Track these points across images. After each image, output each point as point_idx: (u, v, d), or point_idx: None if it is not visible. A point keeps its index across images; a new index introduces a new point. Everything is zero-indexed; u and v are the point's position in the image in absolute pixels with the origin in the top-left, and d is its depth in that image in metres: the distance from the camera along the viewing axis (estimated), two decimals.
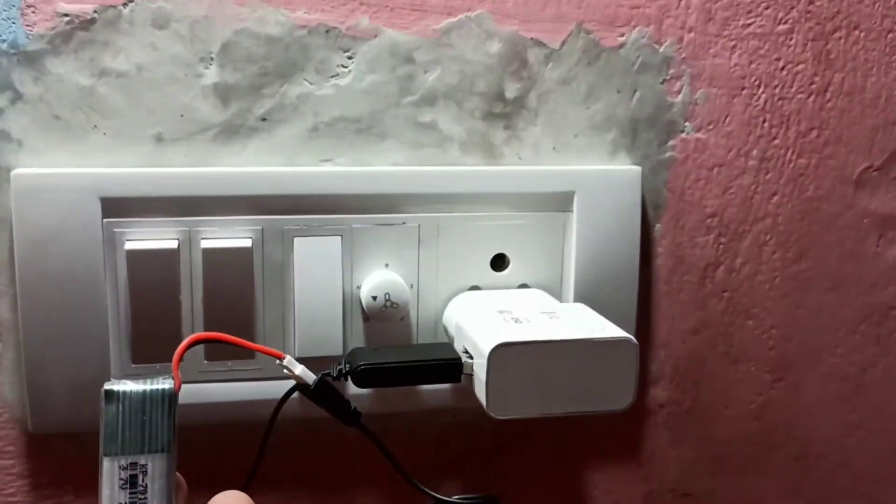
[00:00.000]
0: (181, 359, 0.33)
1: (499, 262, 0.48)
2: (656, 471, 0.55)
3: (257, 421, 0.46)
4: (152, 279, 0.44)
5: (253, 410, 0.46)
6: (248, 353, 0.45)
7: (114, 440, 0.32)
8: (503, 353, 0.38)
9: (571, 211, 0.48)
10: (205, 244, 0.44)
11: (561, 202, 0.48)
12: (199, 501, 0.50)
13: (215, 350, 0.45)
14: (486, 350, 0.38)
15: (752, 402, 0.55)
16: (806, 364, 0.55)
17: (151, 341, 0.45)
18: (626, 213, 0.49)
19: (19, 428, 0.46)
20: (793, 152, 0.52)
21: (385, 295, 0.45)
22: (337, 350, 0.46)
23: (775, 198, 0.52)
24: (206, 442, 0.48)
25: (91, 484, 0.47)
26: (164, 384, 0.33)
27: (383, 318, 0.45)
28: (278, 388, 0.46)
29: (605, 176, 0.48)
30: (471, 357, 0.40)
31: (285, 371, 0.40)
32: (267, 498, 0.50)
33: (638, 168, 0.49)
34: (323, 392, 0.41)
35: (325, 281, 0.45)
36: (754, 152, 0.51)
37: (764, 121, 0.51)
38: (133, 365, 0.45)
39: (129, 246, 0.43)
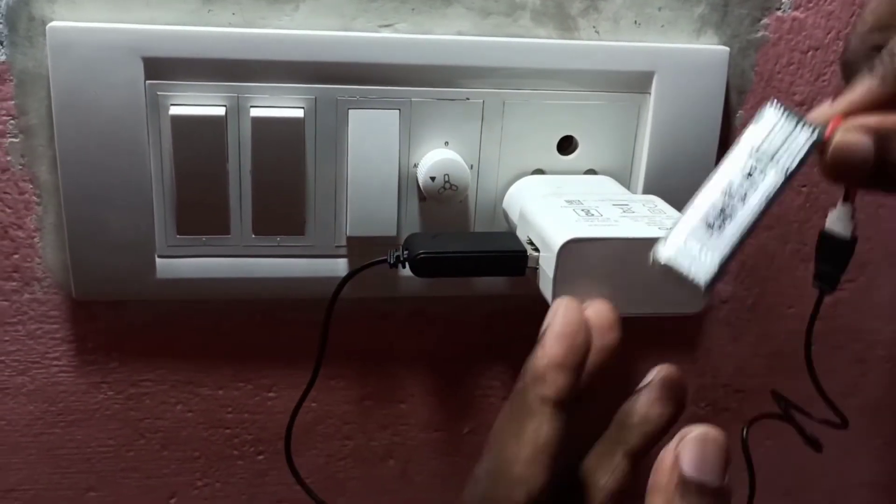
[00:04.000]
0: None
1: (566, 145, 0.45)
2: (711, 366, 0.53)
3: (305, 298, 0.45)
4: (198, 147, 0.41)
5: (302, 287, 0.45)
6: (299, 229, 0.43)
7: None
8: (574, 249, 0.35)
9: (649, 93, 0.44)
10: (254, 113, 0.41)
11: (638, 83, 0.44)
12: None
13: (263, 224, 0.43)
14: (557, 244, 0.35)
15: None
16: (882, 265, 0.52)
17: (198, 212, 0.43)
18: (709, 97, 0.45)
19: (63, 293, 0.45)
20: None
21: (444, 176, 0.42)
22: (390, 231, 0.43)
23: None
24: (258, 317, 0.47)
25: (135, 353, 0.47)
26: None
27: (441, 199, 0.43)
28: (328, 266, 0.44)
29: (690, 55, 0.44)
30: (536, 249, 0.38)
31: None
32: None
33: (726, 49, 0.44)
34: None
35: (380, 157, 0.42)
36: None
37: None
38: (178, 236, 0.43)
39: (173, 111, 0.40)
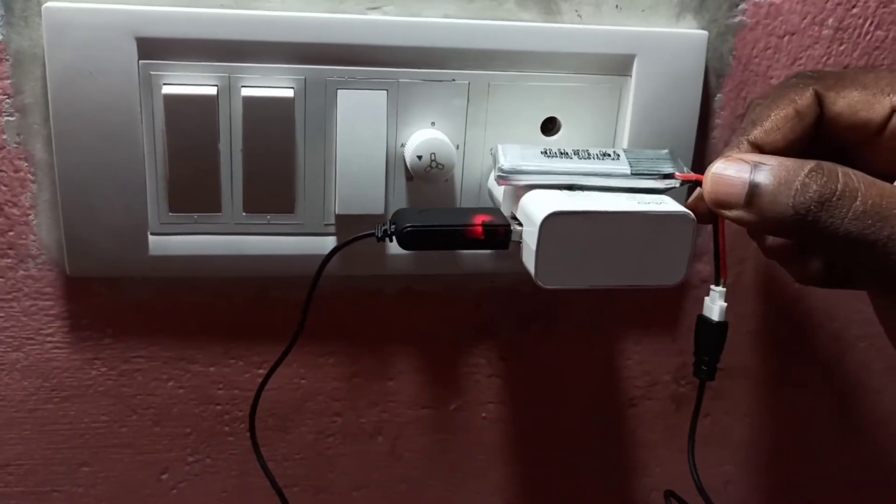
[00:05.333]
0: None
1: (549, 126, 0.46)
2: (691, 345, 0.54)
3: (295, 275, 0.46)
4: (190, 126, 0.42)
5: (292, 264, 0.46)
6: (289, 207, 0.44)
7: None
8: (556, 222, 0.36)
9: (630, 75, 0.45)
10: (245, 92, 0.42)
11: (620, 65, 0.45)
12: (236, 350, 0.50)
13: (254, 202, 0.44)
14: (539, 218, 0.36)
15: (796, 283, 0.54)
16: None
17: (190, 190, 0.43)
18: (688, 80, 0.46)
19: (57, 270, 0.46)
20: (871, 23, 0.48)
21: (431, 155, 0.43)
22: (378, 209, 0.44)
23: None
24: (249, 294, 0.48)
25: (128, 329, 0.48)
26: None
27: (428, 178, 0.44)
28: (317, 244, 0.45)
29: (669, 39, 0.45)
30: (520, 223, 0.39)
31: None
32: (303, 350, 0.50)
33: (704, 33, 0.45)
34: None
35: (368, 136, 0.43)
36: (830, 21, 0.47)
37: None
38: (170, 213, 0.44)
39: (166, 90, 0.41)
